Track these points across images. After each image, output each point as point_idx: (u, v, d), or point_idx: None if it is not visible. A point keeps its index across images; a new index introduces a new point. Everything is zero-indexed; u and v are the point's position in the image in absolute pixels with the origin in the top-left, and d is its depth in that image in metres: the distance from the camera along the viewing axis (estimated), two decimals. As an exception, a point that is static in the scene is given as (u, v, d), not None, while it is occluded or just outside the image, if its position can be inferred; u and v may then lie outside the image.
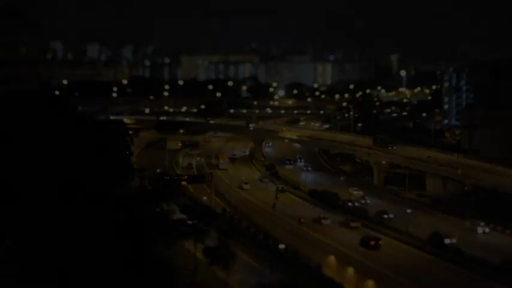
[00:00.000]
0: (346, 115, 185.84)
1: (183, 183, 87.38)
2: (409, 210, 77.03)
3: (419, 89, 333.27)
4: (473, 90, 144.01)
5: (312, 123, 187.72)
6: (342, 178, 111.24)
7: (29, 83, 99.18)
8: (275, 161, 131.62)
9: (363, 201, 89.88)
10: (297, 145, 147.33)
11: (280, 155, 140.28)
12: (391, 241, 69.28)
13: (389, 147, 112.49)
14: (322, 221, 76.70)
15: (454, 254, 62.48)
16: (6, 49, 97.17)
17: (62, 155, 47.67)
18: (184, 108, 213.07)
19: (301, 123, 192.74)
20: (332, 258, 62.82)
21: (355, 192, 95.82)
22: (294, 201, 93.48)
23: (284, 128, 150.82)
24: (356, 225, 74.99)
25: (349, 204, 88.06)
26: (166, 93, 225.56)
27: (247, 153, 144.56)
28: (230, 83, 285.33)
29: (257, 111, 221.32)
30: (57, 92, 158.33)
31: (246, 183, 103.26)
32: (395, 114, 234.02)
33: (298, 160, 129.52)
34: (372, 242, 66.68)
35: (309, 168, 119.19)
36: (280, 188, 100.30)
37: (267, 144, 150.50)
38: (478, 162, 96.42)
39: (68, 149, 47.82)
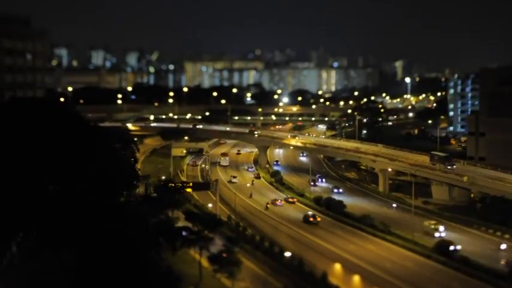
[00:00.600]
0: (351, 123, 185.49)
1: (188, 190, 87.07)
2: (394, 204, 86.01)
3: (424, 95, 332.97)
4: (479, 97, 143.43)
5: (306, 134, 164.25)
6: (394, 205, 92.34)
7: (34, 90, 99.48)
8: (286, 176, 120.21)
9: (438, 234, 74.18)
10: (304, 159, 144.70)
11: (291, 170, 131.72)
12: (397, 249, 68.90)
13: (449, 167, 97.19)
14: (277, 202, 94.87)
15: (461, 262, 61.95)
16: (13, 56, 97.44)
17: (67, 162, 47.69)
18: (188, 115, 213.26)
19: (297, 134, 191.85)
20: (338, 266, 62.55)
21: (427, 224, 78.00)
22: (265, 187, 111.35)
23: (289, 135, 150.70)
24: (293, 201, 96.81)
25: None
26: (170, 100, 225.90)
27: (253, 151, 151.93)
28: (234, 90, 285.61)
29: (261, 118, 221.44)
30: (62, 99, 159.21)
31: (235, 177, 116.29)
32: (400, 121, 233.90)
33: (319, 180, 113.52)
34: (311, 219, 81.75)
35: (340, 190, 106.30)
36: (256, 176, 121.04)
37: (274, 162, 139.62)
38: (484, 170, 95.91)
39: (73, 156, 47.80)
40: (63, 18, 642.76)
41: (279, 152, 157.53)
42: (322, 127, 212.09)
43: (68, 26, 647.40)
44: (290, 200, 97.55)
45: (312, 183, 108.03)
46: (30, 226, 45.88)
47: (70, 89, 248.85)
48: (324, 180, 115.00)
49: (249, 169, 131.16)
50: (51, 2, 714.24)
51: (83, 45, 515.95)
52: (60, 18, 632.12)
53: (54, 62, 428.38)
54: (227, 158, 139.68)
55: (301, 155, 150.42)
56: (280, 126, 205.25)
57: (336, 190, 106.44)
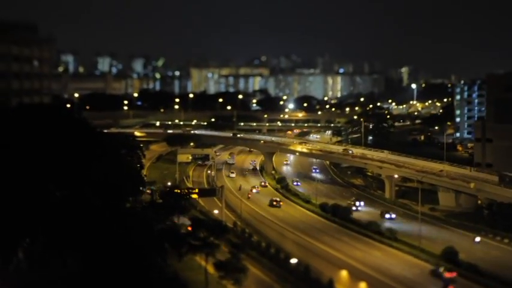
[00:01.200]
0: (357, 128, 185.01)
1: (194, 196, 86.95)
2: (478, 239, 76.33)
3: (430, 101, 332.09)
4: (485, 103, 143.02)
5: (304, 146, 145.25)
6: (477, 239, 76.51)
7: (41, 96, 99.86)
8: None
9: None
10: (318, 176, 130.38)
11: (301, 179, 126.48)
12: (404, 256, 68.57)
13: None
14: (253, 190, 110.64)
15: (468, 269, 61.52)
16: (20, 63, 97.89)
17: (73, 168, 47.77)
18: (194, 121, 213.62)
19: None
20: (344, 273, 62.28)
21: None
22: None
23: (295, 141, 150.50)
24: (265, 185, 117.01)
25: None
26: (176, 106, 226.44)
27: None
28: (240, 96, 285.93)
29: (267, 124, 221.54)
30: (68, 105, 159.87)
31: (233, 173, 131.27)
32: (406, 127, 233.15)
33: (356, 203, 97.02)
34: (275, 202, 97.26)
35: (393, 216, 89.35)
36: (253, 167, 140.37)
37: (294, 182, 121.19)
38: (491, 176, 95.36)
39: (79, 162, 47.89)
40: (69, 25, 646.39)
41: (287, 169, 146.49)
42: (316, 137, 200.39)
43: (74, 33, 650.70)
44: (263, 184, 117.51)
45: (354, 208, 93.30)
46: (36, 232, 45.91)
47: (76, 95, 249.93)
48: (362, 203, 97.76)
49: (252, 162, 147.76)
50: (58, 9, 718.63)
51: (89, 51, 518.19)
52: (67, 25, 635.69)
53: (60, 68, 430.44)
54: (234, 157, 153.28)
55: (313, 170, 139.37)
56: (298, 131, 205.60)
57: (387, 216, 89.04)
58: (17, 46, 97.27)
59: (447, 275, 58.47)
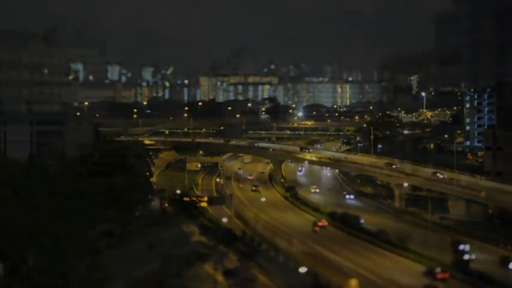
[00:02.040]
0: (366, 136, 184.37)
1: (203, 204, 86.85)
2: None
3: (439, 110, 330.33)
4: (496, 111, 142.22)
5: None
6: None
7: (51, 104, 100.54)
8: None
9: None
10: (353, 202, 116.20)
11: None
12: (413, 264, 68.07)
13: None
14: (248, 177, 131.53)
15: (479, 278, 60.98)
16: (30, 71, 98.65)
17: (84, 176, 47.98)
18: (203, 129, 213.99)
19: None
20: (353, 282, 61.83)
21: None
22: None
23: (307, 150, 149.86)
24: (262, 171, 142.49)
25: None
26: (185, 114, 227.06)
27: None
28: (249, 104, 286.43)
29: (276, 132, 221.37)
30: (78, 113, 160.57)
31: (240, 169, 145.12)
32: (416, 136, 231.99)
33: (460, 246, 71.85)
34: (254, 188, 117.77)
35: None
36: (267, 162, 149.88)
37: (361, 220, 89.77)
38: (502, 185, 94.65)
39: (93, 170, 48.12)
40: (80, 34, 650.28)
41: (314, 196, 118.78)
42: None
43: (84, 42, 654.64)
44: (260, 171, 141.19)
45: (467, 257, 68.16)
46: (45, 239, 46.02)
47: (86, 103, 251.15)
48: (467, 246, 72.31)
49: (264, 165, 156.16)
50: (68, 19, 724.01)
51: (99, 60, 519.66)
52: (76, 33, 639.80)
53: (70, 77, 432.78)
54: (249, 157, 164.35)
55: (347, 197, 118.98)
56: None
57: None
58: (28, 54, 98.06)
59: (320, 223, 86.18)
